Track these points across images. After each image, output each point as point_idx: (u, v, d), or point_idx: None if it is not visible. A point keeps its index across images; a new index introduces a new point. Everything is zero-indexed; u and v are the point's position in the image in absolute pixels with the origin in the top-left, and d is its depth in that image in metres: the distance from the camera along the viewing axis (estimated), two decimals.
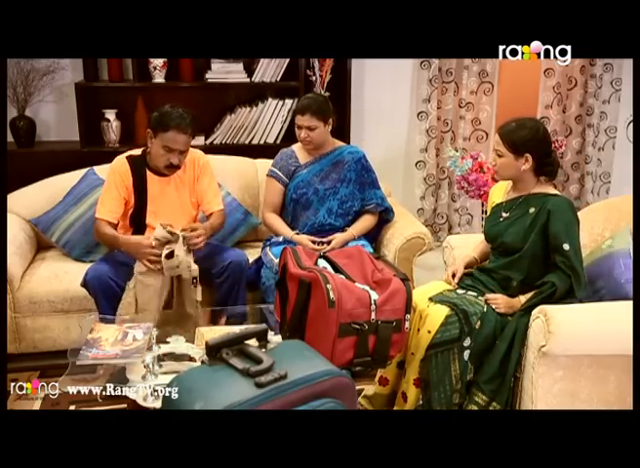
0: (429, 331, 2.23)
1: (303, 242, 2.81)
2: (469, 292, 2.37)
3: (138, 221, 2.78)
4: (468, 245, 2.66)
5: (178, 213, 2.79)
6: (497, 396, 2.20)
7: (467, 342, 2.21)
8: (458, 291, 2.40)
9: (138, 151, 2.82)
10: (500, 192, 2.51)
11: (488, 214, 2.55)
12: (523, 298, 2.28)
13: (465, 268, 2.49)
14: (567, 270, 2.21)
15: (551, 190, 2.37)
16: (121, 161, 2.78)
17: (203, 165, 2.84)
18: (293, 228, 2.96)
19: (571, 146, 4.34)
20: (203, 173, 2.84)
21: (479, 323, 2.23)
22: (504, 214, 2.40)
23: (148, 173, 2.77)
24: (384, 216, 3.10)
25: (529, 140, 2.28)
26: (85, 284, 2.62)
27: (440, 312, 2.24)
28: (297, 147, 3.01)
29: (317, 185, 2.94)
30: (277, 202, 3.00)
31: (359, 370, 2.11)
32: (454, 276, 2.46)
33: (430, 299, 2.31)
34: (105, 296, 2.58)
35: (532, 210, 2.31)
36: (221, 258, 2.75)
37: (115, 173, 2.76)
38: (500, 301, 2.29)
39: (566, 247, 2.21)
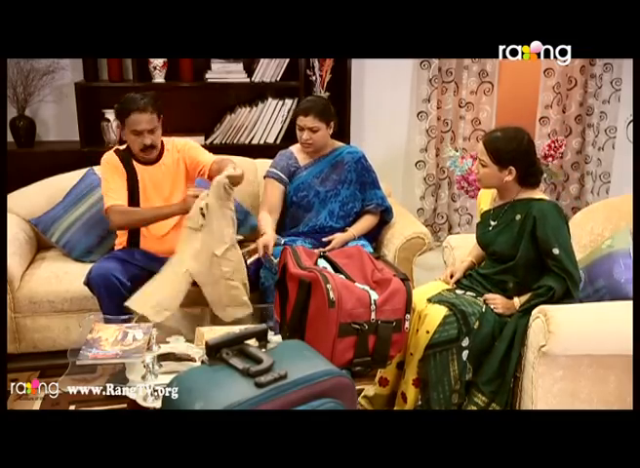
0: (428, 332, 2.23)
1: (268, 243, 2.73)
2: (468, 293, 2.37)
3: None
4: (468, 245, 2.66)
5: (169, 197, 2.82)
6: (496, 397, 2.20)
7: (466, 342, 2.21)
8: (456, 291, 2.40)
9: (122, 146, 2.86)
10: (486, 198, 2.50)
11: (478, 220, 2.55)
12: (517, 301, 2.28)
13: (465, 272, 2.49)
14: (561, 273, 2.21)
15: (536, 195, 2.33)
16: (110, 154, 2.83)
17: (182, 146, 2.86)
18: (292, 228, 2.95)
19: (571, 146, 4.34)
20: (188, 149, 2.85)
21: (477, 323, 2.23)
22: (492, 223, 2.39)
23: (135, 163, 2.80)
24: (384, 217, 3.09)
25: (513, 152, 2.26)
26: (88, 282, 2.62)
27: (438, 312, 2.24)
28: (295, 149, 3.00)
29: (318, 187, 2.93)
30: (275, 201, 2.94)
31: (359, 370, 2.11)
32: (452, 276, 2.47)
33: (429, 300, 2.31)
34: (109, 294, 2.57)
35: (518, 217, 2.30)
36: None
37: (109, 164, 2.80)
38: (498, 301, 2.29)
39: (556, 251, 2.21)
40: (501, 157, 2.27)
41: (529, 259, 2.28)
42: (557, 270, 2.21)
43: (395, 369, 2.40)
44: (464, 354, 2.21)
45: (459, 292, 2.39)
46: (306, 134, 2.87)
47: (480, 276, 2.42)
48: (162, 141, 2.81)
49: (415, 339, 2.28)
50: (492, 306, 2.28)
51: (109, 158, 2.81)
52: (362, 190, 3.00)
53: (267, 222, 2.87)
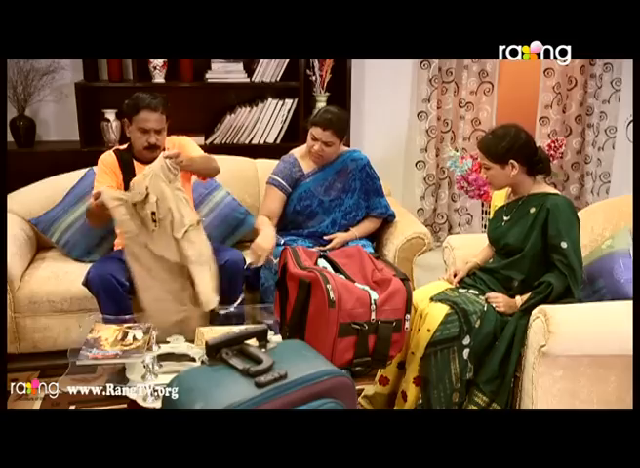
0: (429, 330, 2.23)
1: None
2: (471, 291, 2.37)
3: None
4: (468, 245, 2.66)
5: None
6: (497, 397, 2.20)
7: (467, 341, 2.21)
8: (459, 289, 2.40)
9: (123, 146, 2.86)
10: (501, 195, 2.52)
11: (491, 216, 2.55)
12: (519, 300, 2.28)
13: (468, 273, 2.50)
14: (564, 269, 2.21)
15: (550, 190, 2.38)
16: (107, 153, 2.83)
17: (180, 142, 2.86)
18: (292, 230, 2.94)
19: (571, 146, 4.34)
20: (183, 146, 2.83)
21: (479, 322, 2.23)
22: (506, 218, 2.41)
23: (136, 163, 2.79)
24: (386, 218, 3.09)
25: (509, 149, 2.28)
26: (87, 282, 2.62)
27: (440, 311, 2.24)
28: (299, 155, 2.96)
29: (322, 197, 2.91)
30: (275, 209, 2.92)
31: (359, 369, 2.11)
32: (455, 275, 2.47)
33: (431, 299, 2.31)
34: (107, 295, 2.57)
35: (532, 210, 2.31)
36: (219, 258, 2.76)
37: (103, 164, 2.80)
38: (500, 300, 2.29)
39: (564, 245, 2.22)
40: (498, 154, 2.29)
41: (536, 253, 2.28)
42: (561, 266, 2.21)
43: (396, 368, 2.40)
44: (465, 352, 2.21)
45: (461, 290, 2.39)
46: (319, 146, 2.83)
47: (485, 272, 2.42)
48: None
49: (416, 338, 2.28)
50: (494, 305, 2.28)
51: (105, 158, 2.82)
52: (366, 198, 2.98)
53: (265, 221, 2.86)
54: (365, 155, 3.03)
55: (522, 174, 2.32)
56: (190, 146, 2.87)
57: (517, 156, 2.28)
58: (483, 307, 2.27)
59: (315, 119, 2.87)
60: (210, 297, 2.40)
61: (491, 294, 2.33)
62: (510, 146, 2.28)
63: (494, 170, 2.32)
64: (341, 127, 2.86)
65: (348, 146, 3.19)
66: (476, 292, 2.36)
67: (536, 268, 2.29)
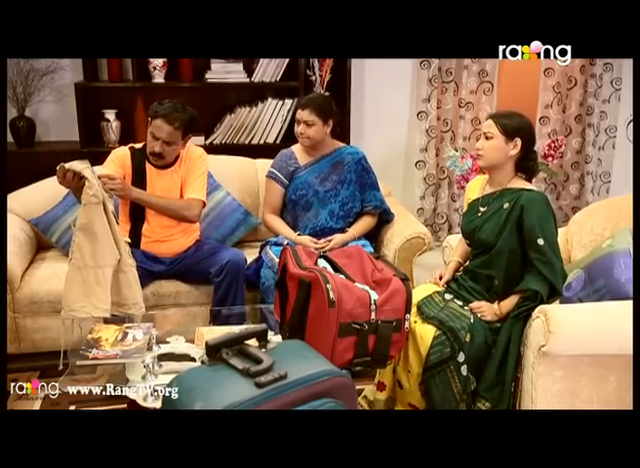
0: (420, 353, 2.22)
1: (306, 243, 2.80)
2: (455, 301, 2.35)
3: (137, 213, 2.82)
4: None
5: None
6: (499, 403, 2.19)
7: (462, 358, 2.18)
8: (445, 295, 2.38)
9: (139, 145, 2.88)
10: (475, 188, 2.50)
11: (465, 210, 2.54)
12: (497, 307, 2.27)
13: (453, 272, 2.50)
14: (543, 267, 2.19)
15: (526, 185, 2.35)
16: (123, 149, 2.86)
17: (195, 158, 2.87)
18: (294, 230, 2.95)
19: (571, 146, 4.34)
20: (192, 164, 2.86)
21: (468, 336, 2.20)
22: (482, 209, 2.39)
23: (147, 165, 2.81)
24: (384, 217, 3.10)
25: (521, 127, 2.30)
26: None
27: (427, 332, 2.23)
28: (296, 148, 3.00)
29: (317, 187, 2.93)
30: (277, 203, 2.99)
31: (359, 369, 2.11)
32: (440, 278, 2.47)
33: (418, 309, 2.30)
34: None
35: (506, 205, 2.30)
36: (219, 258, 2.77)
37: (115, 153, 2.84)
38: (484, 309, 2.28)
39: (540, 242, 2.21)
40: (509, 127, 2.29)
41: (511, 249, 2.26)
42: (540, 264, 2.20)
43: (392, 374, 2.38)
44: (463, 369, 2.18)
45: (447, 296, 2.38)
46: (302, 127, 2.87)
47: (467, 274, 2.41)
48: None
49: (404, 359, 2.28)
50: (479, 314, 2.27)
51: (118, 150, 2.85)
52: (361, 191, 3.00)
53: (283, 224, 2.97)
54: (362, 151, 3.06)
55: (512, 160, 2.32)
56: (194, 167, 2.86)
57: (523, 137, 2.29)
58: (469, 319, 2.24)
59: (297, 104, 3.07)
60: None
61: (474, 305, 2.30)
62: (522, 126, 2.30)
63: (496, 140, 2.30)
64: (320, 106, 2.87)
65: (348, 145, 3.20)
66: (460, 304, 2.33)
67: (514, 265, 2.28)
